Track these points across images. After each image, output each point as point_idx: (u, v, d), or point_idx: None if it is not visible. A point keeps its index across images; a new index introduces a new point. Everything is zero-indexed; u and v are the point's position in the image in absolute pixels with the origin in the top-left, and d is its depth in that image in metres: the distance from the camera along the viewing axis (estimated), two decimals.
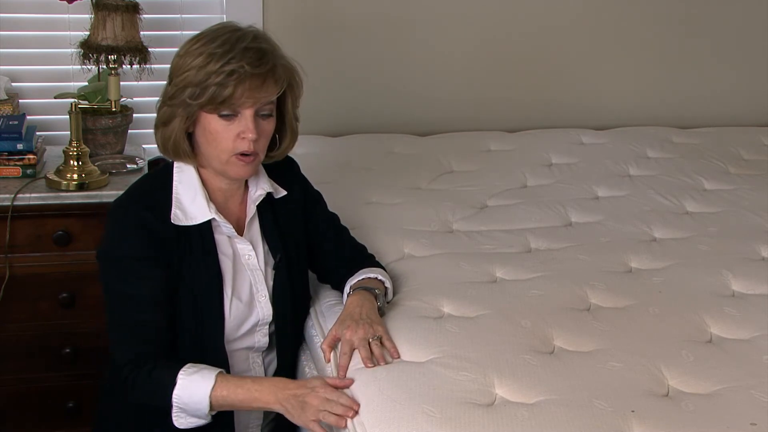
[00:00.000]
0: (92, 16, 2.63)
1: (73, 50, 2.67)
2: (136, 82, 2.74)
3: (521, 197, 2.76)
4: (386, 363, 1.83)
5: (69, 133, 2.57)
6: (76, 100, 2.61)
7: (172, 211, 1.92)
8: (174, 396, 1.81)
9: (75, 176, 2.53)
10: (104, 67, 2.65)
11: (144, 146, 2.93)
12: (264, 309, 2.00)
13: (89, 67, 2.66)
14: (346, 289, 2.05)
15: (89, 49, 2.60)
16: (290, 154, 2.10)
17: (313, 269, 2.18)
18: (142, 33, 2.65)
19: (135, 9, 2.63)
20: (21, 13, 2.91)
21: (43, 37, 2.94)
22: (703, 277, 2.25)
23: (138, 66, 2.63)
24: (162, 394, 1.82)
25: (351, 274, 2.08)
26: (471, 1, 3.23)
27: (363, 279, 2.05)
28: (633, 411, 1.69)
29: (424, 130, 3.25)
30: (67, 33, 2.88)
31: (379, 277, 2.06)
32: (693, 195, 2.81)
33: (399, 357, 1.86)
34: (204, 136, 1.90)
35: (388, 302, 2.06)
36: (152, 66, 2.66)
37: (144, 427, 1.96)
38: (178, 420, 1.84)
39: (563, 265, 2.29)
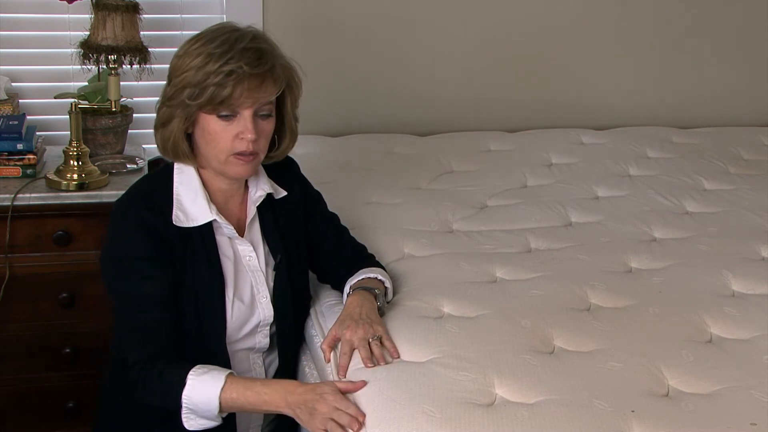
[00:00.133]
0: (92, 16, 2.63)
1: (73, 50, 2.67)
2: (136, 82, 2.74)
3: (521, 197, 2.75)
4: (386, 363, 1.82)
5: (69, 133, 2.57)
6: (76, 100, 2.61)
7: (174, 213, 1.91)
8: (183, 396, 1.79)
9: (75, 176, 2.53)
10: (104, 67, 2.65)
11: (144, 146, 2.92)
12: (265, 310, 2.00)
13: (89, 67, 2.66)
14: (346, 289, 2.05)
15: (89, 49, 2.60)
16: (290, 154, 2.09)
17: (313, 269, 2.17)
18: (142, 33, 2.65)
19: (135, 9, 2.63)
20: (21, 13, 2.91)
21: (43, 37, 2.94)
22: (703, 277, 2.25)
23: (138, 66, 2.63)
24: (172, 394, 1.80)
25: (351, 274, 2.08)
26: (471, 1, 3.23)
27: (363, 279, 2.05)
28: (633, 411, 1.69)
29: (424, 130, 3.24)
30: (67, 33, 2.88)
31: (379, 277, 2.06)
32: (693, 195, 2.81)
33: (399, 357, 1.85)
34: (203, 137, 1.90)
35: (388, 302, 2.06)
36: (152, 66, 2.66)
37: (144, 428, 1.96)
38: (188, 421, 1.81)
39: (563, 265, 2.29)
